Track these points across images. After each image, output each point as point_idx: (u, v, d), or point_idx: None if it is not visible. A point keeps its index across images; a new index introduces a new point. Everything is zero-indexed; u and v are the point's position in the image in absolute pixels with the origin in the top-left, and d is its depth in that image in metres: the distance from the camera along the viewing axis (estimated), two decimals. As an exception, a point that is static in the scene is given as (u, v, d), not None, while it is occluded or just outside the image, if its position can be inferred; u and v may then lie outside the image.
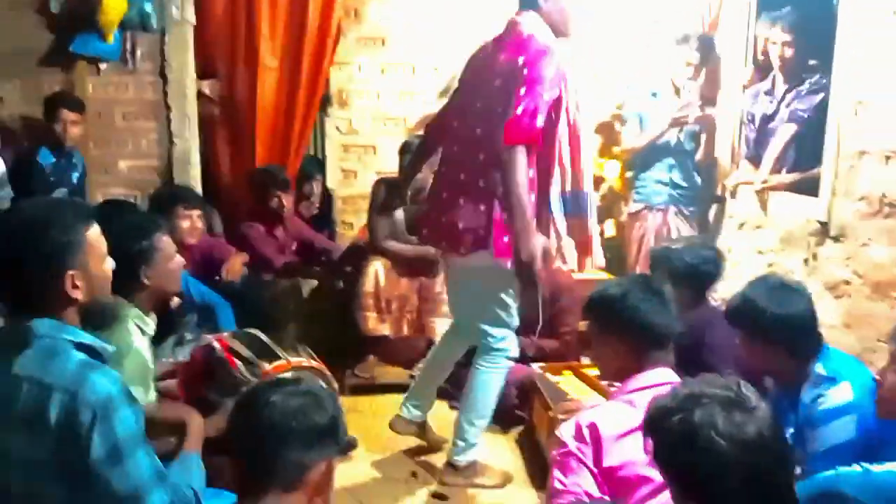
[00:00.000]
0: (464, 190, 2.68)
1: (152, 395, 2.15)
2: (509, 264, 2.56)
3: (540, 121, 2.45)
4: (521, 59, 2.51)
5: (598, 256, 2.91)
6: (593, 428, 1.74)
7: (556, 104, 2.59)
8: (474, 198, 2.65)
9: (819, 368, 2.05)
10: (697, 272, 2.65)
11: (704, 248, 2.80)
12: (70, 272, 1.54)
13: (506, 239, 2.59)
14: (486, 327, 2.80)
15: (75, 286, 1.55)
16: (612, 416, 1.78)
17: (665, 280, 2.52)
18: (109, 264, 1.67)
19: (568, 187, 2.78)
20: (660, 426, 1.30)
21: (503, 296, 2.75)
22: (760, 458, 1.24)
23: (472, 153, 2.66)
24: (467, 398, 2.89)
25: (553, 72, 2.49)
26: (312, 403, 1.42)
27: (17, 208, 1.60)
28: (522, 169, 2.44)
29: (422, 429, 3.15)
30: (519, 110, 2.44)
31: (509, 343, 2.84)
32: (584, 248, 2.87)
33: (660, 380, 1.82)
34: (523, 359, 3.48)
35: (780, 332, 2.04)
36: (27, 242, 1.53)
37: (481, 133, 2.62)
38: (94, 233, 1.61)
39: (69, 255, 1.55)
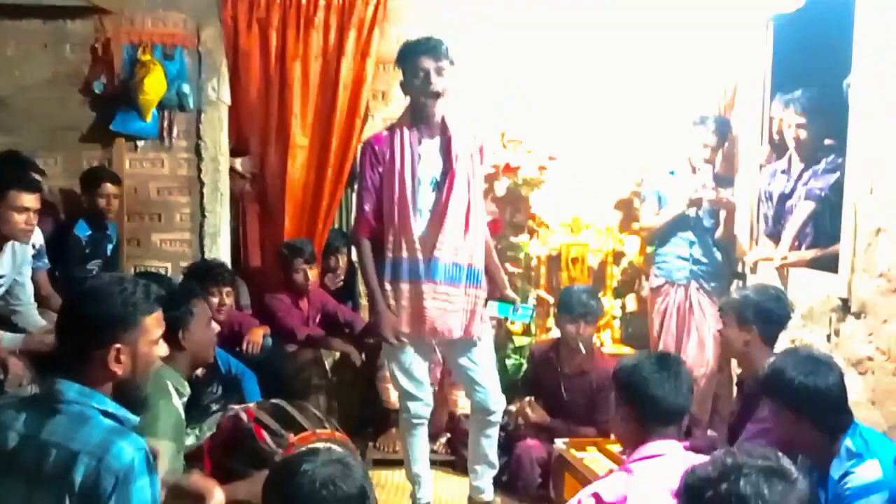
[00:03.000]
0: None
1: (181, 459, 2.20)
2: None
3: (365, 208, 2.92)
4: None
5: (430, 321, 2.94)
6: (597, 497, 1.82)
7: (380, 180, 2.89)
8: None
9: (848, 444, 2.04)
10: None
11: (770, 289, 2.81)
12: (116, 346, 1.62)
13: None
14: None
15: (118, 360, 1.63)
16: (612, 484, 1.88)
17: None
18: (160, 350, 1.75)
19: (404, 254, 2.89)
20: (701, 494, 1.31)
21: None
22: None
23: None
24: None
25: (366, 161, 2.93)
26: (343, 473, 1.45)
27: (95, 277, 1.71)
28: (361, 256, 2.98)
29: None
30: None
31: (404, 404, 3.06)
32: (418, 315, 2.94)
33: (660, 451, 1.90)
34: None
35: (807, 402, 2.04)
36: (88, 307, 1.63)
37: None
38: (154, 318, 1.70)
39: (121, 329, 1.63)
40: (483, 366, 3.04)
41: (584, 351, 3.56)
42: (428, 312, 2.88)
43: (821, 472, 2.08)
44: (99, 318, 1.62)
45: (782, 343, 3.46)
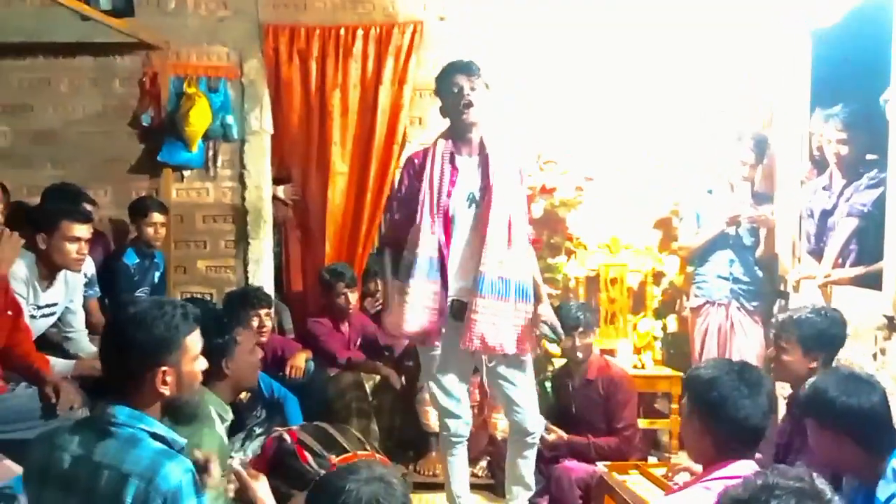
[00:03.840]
0: None
1: (224, 482, 2.24)
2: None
3: (395, 217, 3.09)
4: None
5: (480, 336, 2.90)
6: None
7: (409, 193, 2.99)
8: None
9: (894, 465, 2.00)
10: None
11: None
12: (163, 368, 1.69)
13: None
14: None
15: (164, 382, 1.69)
16: (691, 500, 1.83)
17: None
18: (200, 365, 1.81)
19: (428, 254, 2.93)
20: None
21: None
22: None
23: None
24: None
25: (404, 173, 3.06)
26: (386, 491, 1.46)
27: (133, 302, 1.77)
28: (383, 261, 3.14)
29: None
30: None
31: (444, 422, 3.10)
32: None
33: (740, 472, 1.81)
34: (584, 458, 3.45)
35: (848, 422, 2.00)
36: (133, 333, 1.69)
37: None
38: (193, 337, 1.76)
39: (166, 352, 1.70)
40: (522, 387, 3.05)
41: (579, 358, 3.58)
42: (477, 326, 2.86)
43: (868, 493, 2.04)
44: (145, 342, 1.68)
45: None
